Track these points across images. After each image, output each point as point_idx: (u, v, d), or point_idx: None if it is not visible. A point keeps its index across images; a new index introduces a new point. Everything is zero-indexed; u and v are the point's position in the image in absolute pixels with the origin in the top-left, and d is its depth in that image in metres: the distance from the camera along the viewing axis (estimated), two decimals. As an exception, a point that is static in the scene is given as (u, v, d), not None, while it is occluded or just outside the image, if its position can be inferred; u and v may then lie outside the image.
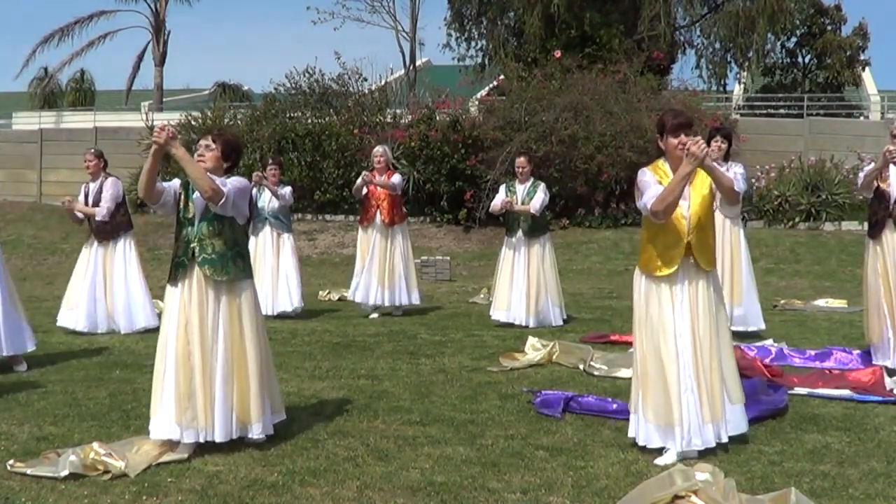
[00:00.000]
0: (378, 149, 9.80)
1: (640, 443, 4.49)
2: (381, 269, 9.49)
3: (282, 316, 9.40)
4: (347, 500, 3.85)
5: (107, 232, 8.46)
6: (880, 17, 62.33)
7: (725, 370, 4.56)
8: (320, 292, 11.75)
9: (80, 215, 8.49)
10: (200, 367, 4.50)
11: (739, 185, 7.80)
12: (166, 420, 4.46)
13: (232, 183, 4.61)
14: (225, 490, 3.93)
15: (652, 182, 4.47)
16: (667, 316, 4.45)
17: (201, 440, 4.45)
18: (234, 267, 4.63)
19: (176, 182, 4.76)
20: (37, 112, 28.84)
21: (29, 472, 4.06)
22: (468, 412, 5.32)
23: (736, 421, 4.59)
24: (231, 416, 4.52)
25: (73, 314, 8.34)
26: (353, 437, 4.76)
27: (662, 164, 4.59)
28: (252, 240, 9.12)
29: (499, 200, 8.93)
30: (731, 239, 7.94)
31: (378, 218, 9.50)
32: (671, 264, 4.46)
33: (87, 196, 8.54)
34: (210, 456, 4.41)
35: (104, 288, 8.40)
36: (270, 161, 9.86)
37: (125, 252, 8.54)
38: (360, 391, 5.88)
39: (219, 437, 4.46)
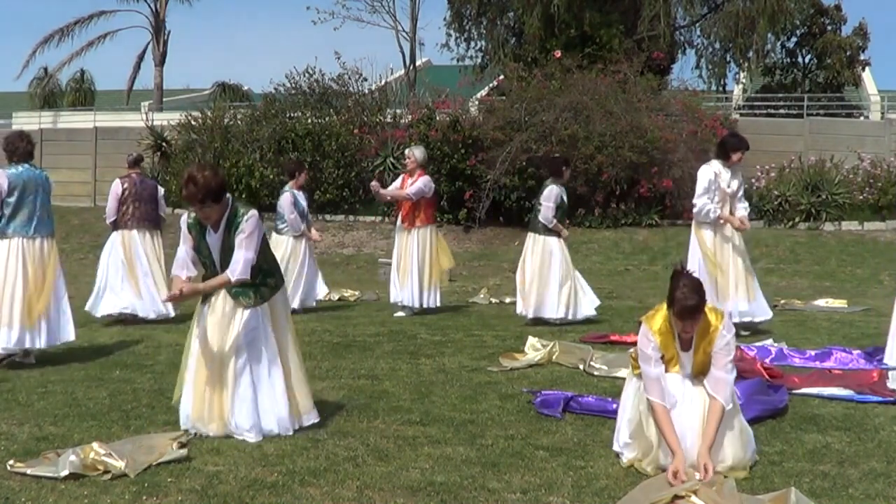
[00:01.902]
0: (407, 150, 9.99)
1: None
2: (399, 269, 9.64)
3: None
4: (347, 500, 3.85)
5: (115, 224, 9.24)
6: (880, 17, 62.36)
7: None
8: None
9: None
10: (218, 371, 4.72)
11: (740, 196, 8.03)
12: (184, 413, 4.80)
13: (250, 246, 4.65)
14: (225, 490, 3.93)
15: (653, 359, 4.20)
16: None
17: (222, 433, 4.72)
18: (261, 290, 4.81)
19: (184, 227, 4.81)
20: (37, 112, 28.79)
21: (29, 472, 4.06)
22: (468, 412, 5.32)
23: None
24: (286, 410, 4.77)
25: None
26: (353, 437, 4.76)
27: (669, 327, 4.23)
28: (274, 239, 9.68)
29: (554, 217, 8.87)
30: (735, 240, 7.99)
31: (399, 219, 9.69)
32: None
33: None
34: (210, 456, 4.42)
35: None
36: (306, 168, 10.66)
37: (111, 244, 9.21)
38: (360, 391, 5.88)
39: (280, 431, 4.75)
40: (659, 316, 4.27)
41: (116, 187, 9.23)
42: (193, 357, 4.81)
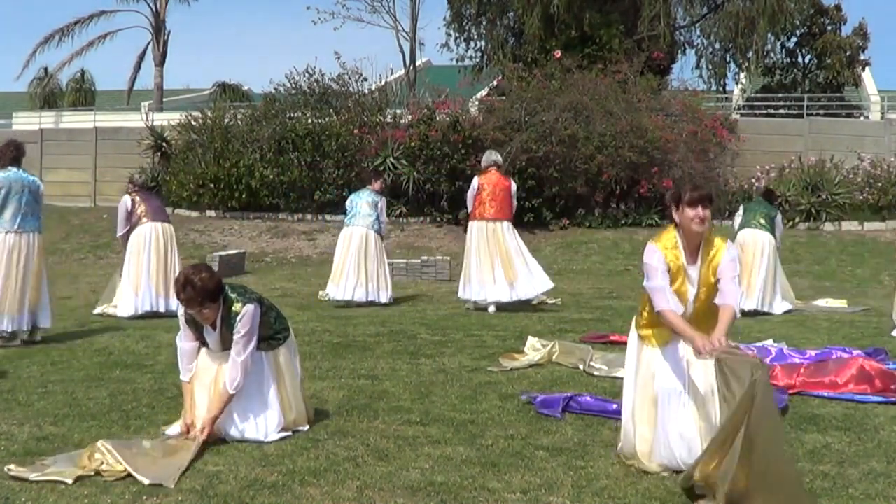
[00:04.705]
0: None
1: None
2: None
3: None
4: (347, 500, 3.85)
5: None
6: (880, 17, 62.29)
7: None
8: (320, 292, 11.74)
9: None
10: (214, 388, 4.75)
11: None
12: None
13: (246, 346, 4.65)
14: (225, 490, 3.93)
15: (660, 270, 4.22)
16: (660, 372, 4.29)
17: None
18: (269, 342, 4.86)
19: (182, 321, 4.81)
20: (37, 112, 28.80)
21: (32, 477, 4.02)
22: (468, 412, 5.32)
23: None
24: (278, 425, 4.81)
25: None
26: (353, 437, 4.76)
27: (675, 242, 4.29)
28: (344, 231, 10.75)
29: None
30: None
31: None
32: (664, 339, 4.32)
33: None
34: (210, 456, 4.42)
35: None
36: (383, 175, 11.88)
37: (131, 243, 9.76)
38: (360, 391, 5.88)
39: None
40: (665, 235, 4.36)
41: (126, 203, 9.81)
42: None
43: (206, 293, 4.55)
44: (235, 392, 4.64)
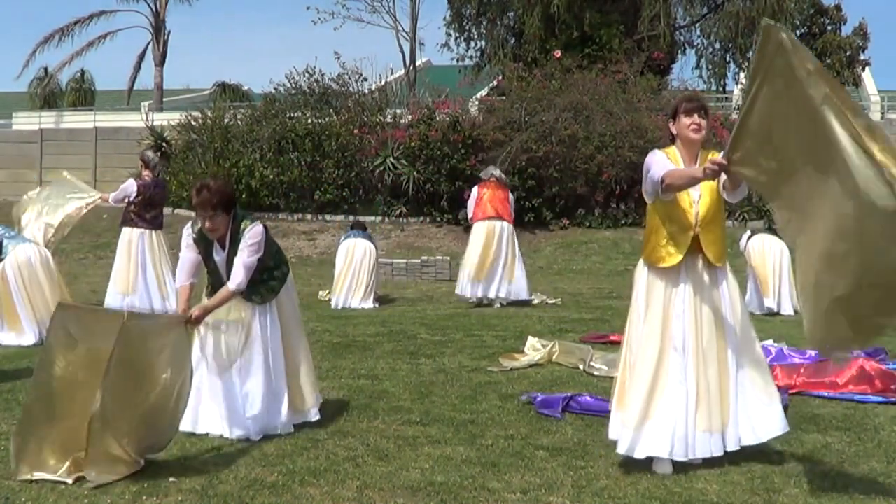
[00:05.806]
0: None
1: (623, 451, 4.24)
2: None
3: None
4: (347, 500, 3.85)
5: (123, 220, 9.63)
6: (880, 17, 62.37)
7: (749, 371, 4.35)
8: (320, 292, 11.76)
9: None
10: (224, 372, 4.74)
11: None
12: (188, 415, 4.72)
13: (251, 254, 4.65)
14: (225, 490, 3.93)
15: (663, 160, 4.31)
16: (668, 311, 4.26)
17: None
18: (270, 284, 4.84)
19: (188, 240, 4.81)
20: (37, 112, 28.83)
21: (35, 475, 4.02)
22: (468, 412, 5.32)
23: (770, 423, 4.36)
24: (285, 408, 4.81)
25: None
26: (353, 437, 4.76)
27: (675, 152, 4.40)
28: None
29: None
30: None
31: None
32: (676, 254, 4.26)
33: None
34: (210, 456, 4.42)
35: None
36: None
37: (121, 242, 9.58)
38: (360, 391, 5.88)
39: (281, 431, 4.79)
40: (665, 148, 4.48)
41: (131, 188, 9.49)
42: (197, 358, 4.76)
43: (220, 195, 4.61)
44: (237, 289, 4.62)
